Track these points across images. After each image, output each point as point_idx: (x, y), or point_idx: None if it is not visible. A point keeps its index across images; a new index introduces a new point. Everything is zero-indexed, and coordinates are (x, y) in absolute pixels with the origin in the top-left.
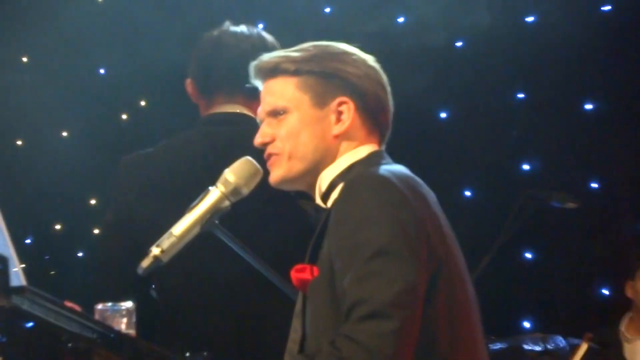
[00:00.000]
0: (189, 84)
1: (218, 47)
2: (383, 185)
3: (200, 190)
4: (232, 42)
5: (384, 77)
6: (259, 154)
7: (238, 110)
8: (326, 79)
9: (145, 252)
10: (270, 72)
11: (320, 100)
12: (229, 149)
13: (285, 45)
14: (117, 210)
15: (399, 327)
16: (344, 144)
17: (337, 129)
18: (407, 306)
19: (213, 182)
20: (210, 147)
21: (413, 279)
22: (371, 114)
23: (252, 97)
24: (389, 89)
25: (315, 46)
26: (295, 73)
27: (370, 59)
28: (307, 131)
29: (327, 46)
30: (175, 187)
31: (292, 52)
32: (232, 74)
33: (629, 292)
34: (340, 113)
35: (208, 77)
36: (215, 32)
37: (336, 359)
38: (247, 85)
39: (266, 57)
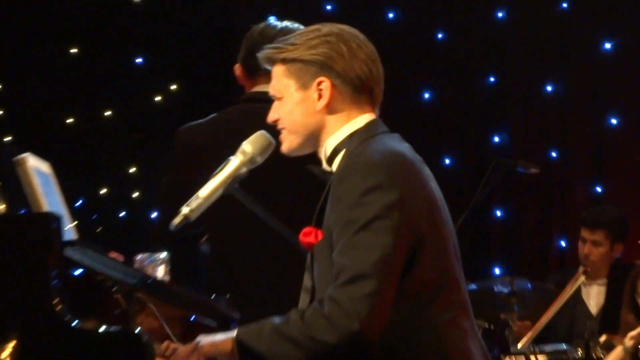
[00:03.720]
0: (237, 68)
1: (263, 37)
2: (373, 170)
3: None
4: (274, 34)
5: (367, 52)
6: None
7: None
8: (308, 65)
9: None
10: (269, 61)
11: (304, 84)
12: (263, 122)
13: None
14: (171, 174)
15: (373, 291)
16: (333, 116)
17: (319, 105)
18: (381, 274)
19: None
20: (247, 121)
21: (389, 252)
22: (352, 87)
23: None
24: (372, 62)
25: (301, 34)
26: (283, 62)
27: (355, 39)
28: (296, 111)
29: (315, 33)
30: (218, 155)
31: (283, 43)
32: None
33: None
34: (320, 92)
35: (254, 62)
36: (262, 25)
37: (320, 315)
38: None
39: (266, 48)
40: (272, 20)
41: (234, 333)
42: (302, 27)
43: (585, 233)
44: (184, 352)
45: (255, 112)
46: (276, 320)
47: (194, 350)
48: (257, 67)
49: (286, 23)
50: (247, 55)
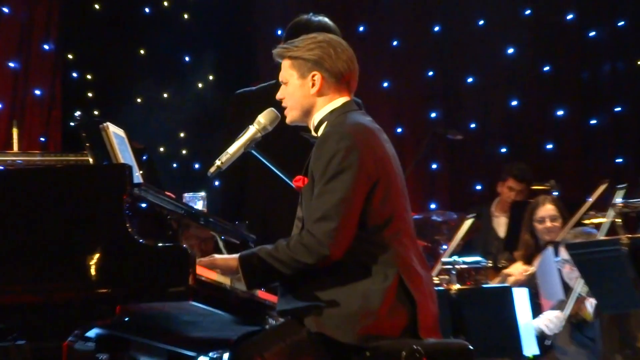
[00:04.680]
0: None
1: (307, 26)
2: (342, 139)
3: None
4: (315, 25)
5: (348, 55)
6: None
7: None
8: (306, 62)
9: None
10: (280, 56)
11: (303, 75)
12: None
13: None
14: (228, 127)
15: (336, 226)
16: (321, 98)
17: (313, 91)
18: (343, 213)
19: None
20: None
21: (348, 197)
22: (335, 79)
23: None
24: (351, 62)
25: (303, 40)
26: (290, 58)
27: (340, 45)
28: (296, 94)
29: (312, 39)
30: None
31: (290, 45)
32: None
33: (499, 189)
34: (314, 81)
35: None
36: (305, 17)
37: (301, 244)
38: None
39: (278, 47)
40: (311, 14)
41: (237, 255)
42: (329, 21)
43: (514, 184)
44: (205, 260)
45: None
46: (268, 247)
47: (210, 260)
48: None
49: (320, 17)
50: (290, 38)
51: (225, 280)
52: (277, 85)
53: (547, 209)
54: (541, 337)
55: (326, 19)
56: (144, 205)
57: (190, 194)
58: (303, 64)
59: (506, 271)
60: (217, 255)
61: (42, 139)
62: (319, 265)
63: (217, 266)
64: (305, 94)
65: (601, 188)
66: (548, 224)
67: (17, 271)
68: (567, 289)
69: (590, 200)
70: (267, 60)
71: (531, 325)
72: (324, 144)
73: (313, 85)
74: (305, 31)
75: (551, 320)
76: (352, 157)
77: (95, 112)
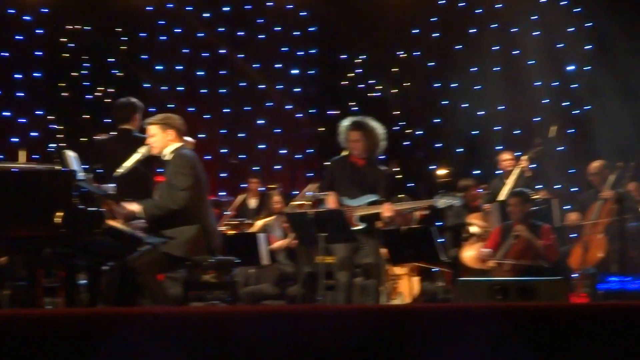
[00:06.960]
0: (114, 117)
1: (128, 105)
2: (184, 157)
3: (120, 155)
4: (129, 103)
5: (182, 121)
6: (140, 143)
7: (126, 127)
8: (165, 125)
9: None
10: (151, 123)
11: (164, 130)
12: (127, 141)
13: None
14: (92, 161)
15: (185, 195)
16: (171, 142)
17: (168, 139)
18: (188, 190)
19: (125, 153)
20: (121, 140)
21: (189, 184)
22: (178, 132)
23: (129, 121)
24: (184, 125)
25: (163, 115)
26: (157, 123)
27: (179, 117)
28: (159, 140)
29: (167, 115)
30: (111, 152)
31: (157, 117)
32: (124, 117)
33: (249, 185)
34: (168, 134)
35: (120, 116)
36: (124, 100)
37: (170, 199)
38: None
39: (150, 119)
40: (121, 99)
41: (140, 205)
42: (132, 99)
43: (253, 179)
44: (123, 205)
45: (123, 137)
46: (152, 201)
47: (127, 208)
48: (120, 120)
49: (125, 99)
50: (116, 113)
51: (122, 226)
52: (118, 136)
53: (275, 200)
54: (272, 253)
55: (131, 99)
56: (84, 189)
57: (106, 185)
58: (164, 125)
59: (260, 222)
60: (129, 206)
61: (36, 157)
62: (175, 209)
63: (129, 210)
64: (164, 140)
65: (312, 186)
66: (278, 205)
67: (21, 221)
68: (286, 234)
69: (299, 194)
70: None
71: (266, 249)
72: (174, 160)
73: (168, 136)
74: (118, 105)
75: (280, 246)
76: (188, 167)
77: (63, 144)
